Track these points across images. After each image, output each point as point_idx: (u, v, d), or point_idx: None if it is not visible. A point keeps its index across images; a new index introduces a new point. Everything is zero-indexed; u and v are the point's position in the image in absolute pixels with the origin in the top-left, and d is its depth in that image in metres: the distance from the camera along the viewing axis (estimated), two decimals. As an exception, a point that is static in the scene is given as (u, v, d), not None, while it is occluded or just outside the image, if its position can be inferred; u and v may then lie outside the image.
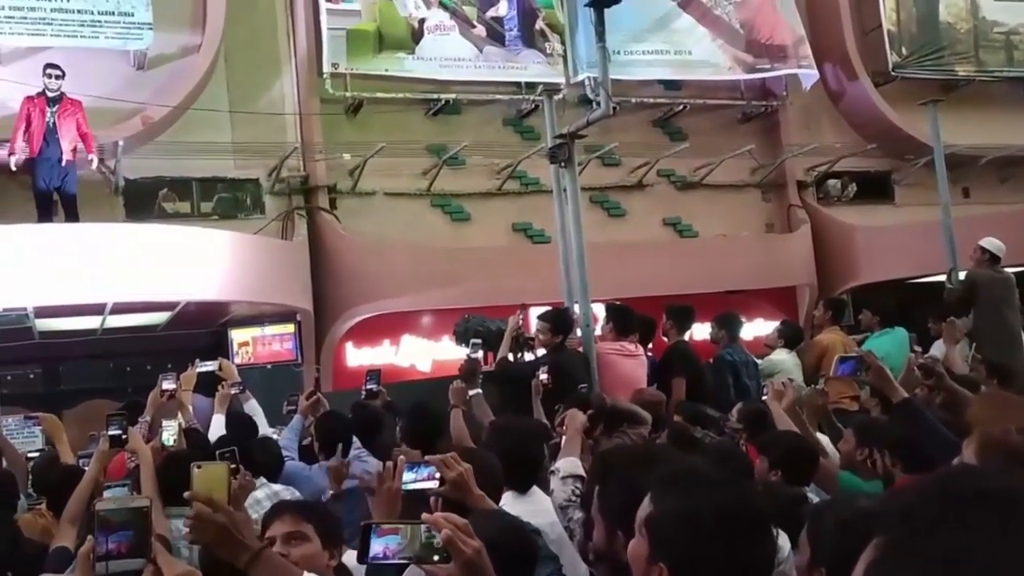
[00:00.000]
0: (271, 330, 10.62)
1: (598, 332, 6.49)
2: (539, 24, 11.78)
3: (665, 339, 6.80)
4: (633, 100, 11.72)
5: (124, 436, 4.00)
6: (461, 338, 7.32)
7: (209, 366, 6.11)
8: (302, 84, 10.90)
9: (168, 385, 5.44)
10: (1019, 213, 11.46)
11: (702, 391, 6.23)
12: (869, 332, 7.93)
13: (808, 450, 3.74)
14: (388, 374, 7.61)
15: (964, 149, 12.12)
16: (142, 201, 10.18)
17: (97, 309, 9.07)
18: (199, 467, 2.22)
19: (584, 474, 3.40)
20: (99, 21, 9.54)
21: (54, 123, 8.60)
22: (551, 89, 9.15)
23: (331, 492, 4.19)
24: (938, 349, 7.01)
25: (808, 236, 12.72)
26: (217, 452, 4.21)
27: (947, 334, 6.86)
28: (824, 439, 4.41)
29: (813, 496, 3.40)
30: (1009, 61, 14.21)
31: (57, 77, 8.68)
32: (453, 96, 11.42)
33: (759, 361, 7.09)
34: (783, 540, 2.37)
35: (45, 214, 8.66)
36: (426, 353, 11.14)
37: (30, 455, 6.12)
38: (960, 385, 4.25)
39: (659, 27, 12.08)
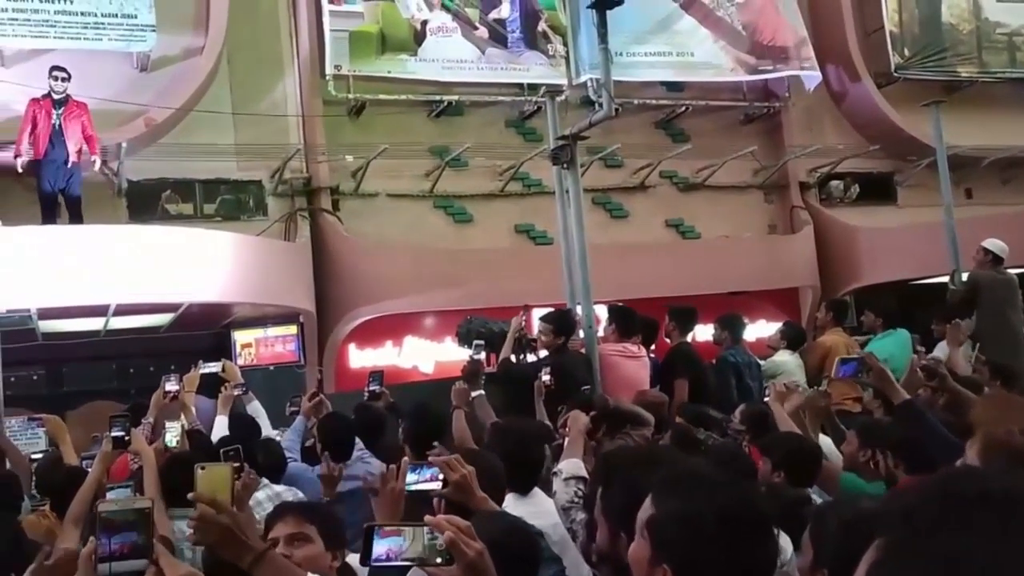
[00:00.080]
0: (274, 331, 10.64)
1: (600, 333, 6.48)
2: (541, 26, 11.79)
3: (667, 340, 6.79)
4: (635, 102, 11.73)
5: (127, 437, 4.01)
6: (463, 339, 7.30)
7: (212, 367, 6.11)
8: (305, 86, 10.91)
9: (171, 386, 5.46)
10: (1022, 214, 11.43)
11: (705, 392, 6.20)
12: (872, 334, 7.89)
13: (811, 451, 3.74)
14: (391, 375, 7.62)
15: (967, 150, 12.12)
16: (145, 203, 10.20)
17: (100, 311, 9.08)
18: (203, 468, 2.23)
19: (587, 475, 3.40)
20: (102, 23, 9.55)
21: (60, 125, 8.61)
22: (553, 91, 9.16)
23: (326, 500, 4.18)
24: (941, 350, 6.98)
25: (811, 237, 12.72)
26: (221, 450, 4.21)
27: (951, 336, 6.83)
28: (827, 441, 4.40)
29: (816, 498, 3.40)
30: (1011, 62, 14.21)
31: (63, 79, 8.70)
32: (456, 98, 11.43)
33: (762, 362, 7.09)
34: (785, 541, 2.37)
35: (49, 216, 8.67)
36: (428, 354, 11.15)
37: (34, 456, 6.14)
38: (963, 386, 4.25)
39: (661, 29, 12.09)
